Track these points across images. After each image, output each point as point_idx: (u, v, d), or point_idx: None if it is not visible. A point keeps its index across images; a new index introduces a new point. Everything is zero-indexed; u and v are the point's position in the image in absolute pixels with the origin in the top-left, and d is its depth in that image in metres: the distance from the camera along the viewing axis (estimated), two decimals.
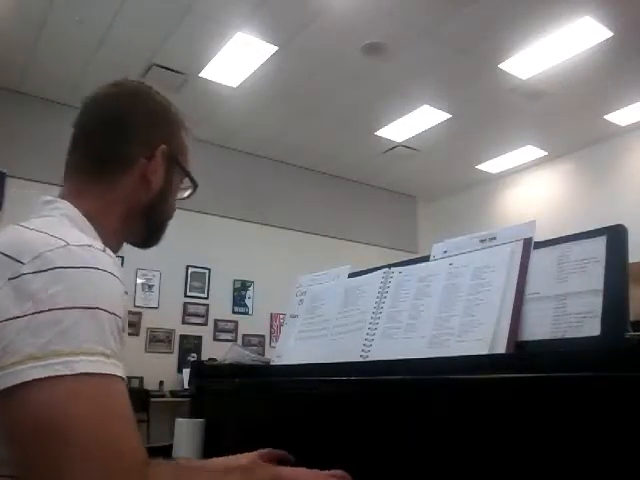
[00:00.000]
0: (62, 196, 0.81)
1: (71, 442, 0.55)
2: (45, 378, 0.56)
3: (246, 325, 6.59)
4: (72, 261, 0.63)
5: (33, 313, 0.58)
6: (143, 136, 0.85)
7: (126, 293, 0.69)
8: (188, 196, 0.97)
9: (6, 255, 0.63)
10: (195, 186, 0.96)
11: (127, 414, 0.61)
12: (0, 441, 0.59)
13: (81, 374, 0.57)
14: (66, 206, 0.78)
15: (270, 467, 0.86)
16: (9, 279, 0.61)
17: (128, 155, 0.84)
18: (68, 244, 0.64)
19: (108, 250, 0.69)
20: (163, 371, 5.89)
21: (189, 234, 6.08)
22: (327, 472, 0.84)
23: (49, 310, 0.58)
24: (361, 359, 1.02)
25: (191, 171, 0.94)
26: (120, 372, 0.61)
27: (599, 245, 0.82)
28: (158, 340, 6.00)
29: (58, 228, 0.69)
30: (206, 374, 1.37)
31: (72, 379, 0.57)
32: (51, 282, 0.60)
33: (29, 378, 0.56)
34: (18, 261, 0.62)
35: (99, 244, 0.69)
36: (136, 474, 0.58)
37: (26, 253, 0.62)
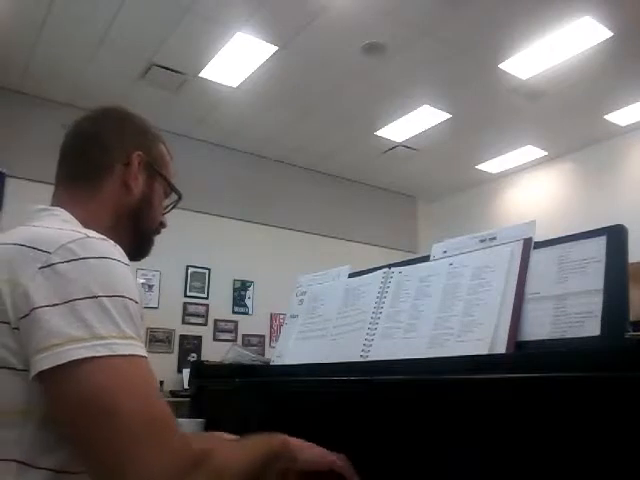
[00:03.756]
0: (54, 204, 0.87)
1: (115, 420, 0.61)
2: (89, 358, 0.62)
3: (246, 325, 6.59)
4: (94, 252, 0.69)
5: (73, 300, 0.64)
6: (117, 144, 0.92)
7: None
8: (172, 208, 1.04)
9: (29, 247, 0.68)
10: (179, 197, 1.02)
11: (157, 390, 0.69)
12: (36, 425, 0.64)
13: (120, 355, 0.64)
14: (61, 212, 0.83)
15: (280, 435, 0.90)
16: (40, 268, 0.66)
17: (105, 163, 0.91)
18: (88, 236, 0.71)
19: (117, 245, 0.75)
20: (163, 371, 5.88)
21: (189, 234, 6.08)
22: (332, 454, 0.87)
23: (88, 298, 0.65)
24: (361, 359, 1.02)
25: (175, 183, 0.99)
26: (145, 353, 0.68)
27: (599, 245, 0.82)
28: (158, 340, 6.00)
29: (69, 226, 0.76)
30: (206, 374, 1.37)
31: (113, 359, 0.63)
32: (82, 272, 0.67)
33: (72, 358, 0.61)
34: (44, 251, 0.67)
35: (110, 240, 0.75)
36: (180, 444, 0.64)
37: (50, 244, 0.68)
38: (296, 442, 0.86)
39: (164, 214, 1.01)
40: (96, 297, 0.65)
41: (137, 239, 0.96)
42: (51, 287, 0.65)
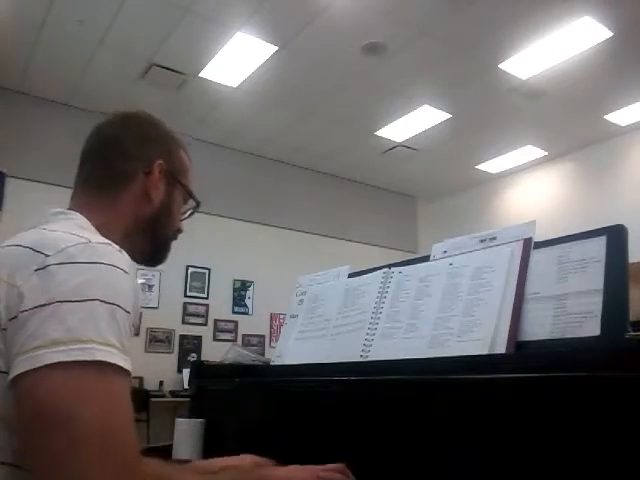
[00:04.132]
0: (71, 208, 0.86)
1: (78, 426, 0.58)
2: (63, 362, 0.59)
3: (246, 325, 6.59)
4: (93, 257, 0.68)
5: (58, 302, 0.62)
6: (139, 152, 0.91)
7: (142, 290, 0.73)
8: (191, 214, 1.03)
9: (32, 249, 0.68)
10: (197, 204, 1.01)
11: (129, 407, 0.64)
12: (10, 432, 0.62)
13: (97, 361, 0.61)
14: (78, 217, 0.82)
15: (262, 468, 0.88)
16: (35, 270, 0.65)
17: (127, 171, 0.90)
18: (90, 241, 0.70)
19: (123, 252, 0.73)
20: (163, 371, 5.89)
21: (189, 234, 6.01)
22: (319, 467, 0.86)
23: (73, 301, 0.63)
24: (361, 359, 1.02)
25: (193, 191, 0.99)
26: (128, 366, 0.65)
27: (599, 245, 0.82)
28: (158, 340, 6.00)
29: (79, 231, 0.74)
30: (206, 374, 1.37)
31: (88, 365, 0.60)
32: (75, 275, 0.65)
33: (49, 361, 0.59)
34: (43, 253, 0.67)
35: (117, 246, 0.73)
36: (131, 465, 0.61)
37: (51, 247, 0.68)
38: (277, 475, 0.84)
39: (182, 220, 1.01)
40: (83, 300, 0.63)
41: (154, 246, 0.95)
42: (40, 289, 0.64)
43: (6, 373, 0.62)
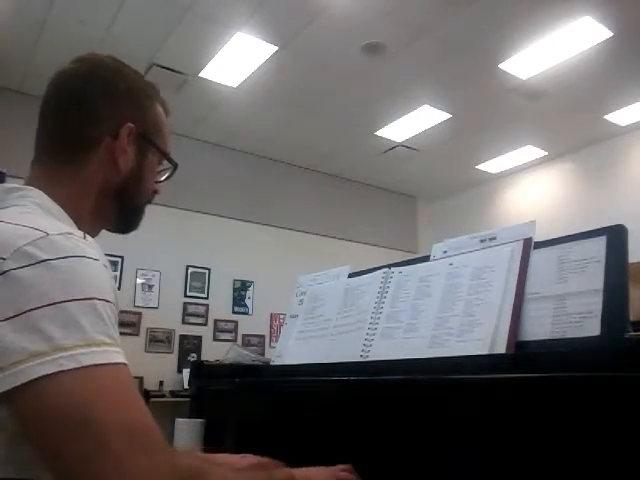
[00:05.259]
0: (30, 182, 0.78)
1: (92, 431, 0.55)
2: (53, 374, 0.55)
3: (246, 325, 6.59)
4: (57, 252, 0.60)
5: (30, 310, 0.56)
6: (106, 113, 0.80)
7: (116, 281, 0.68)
8: (167, 178, 0.92)
9: None
10: (174, 166, 0.91)
11: (138, 398, 0.61)
12: (3, 442, 0.58)
13: (89, 366, 0.56)
14: (37, 194, 0.74)
15: (285, 469, 0.86)
16: None
17: (92, 134, 0.80)
18: (48, 234, 0.62)
19: (88, 237, 0.67)
20: (163, 371, 5.89)
21: (189, 234, 6.08)
22: (336, 468, 0.85)
23: (46, 305, 0.57)
24: (361, 359, 1.02)
25: (170, 151, 0.89)
26: (122, 358, 0.60)
27: (599, 245, 0.82)
28: (158, 340, 5.99)
29: (32, 218, 0.66)
30: (206, 374, 1.37)
31: (81, 372, 0.56)
32: (41, 276, 0.58)
33: (34, 376, 0.54)
34: None
35: (78, 232, 0.67)
36: (163, 452, 0.59)
37: (5, 247, 0.59)
38: (302, 475, 0.81)
39: (157, 182, 0.90)
40: (56, 303, 0.57)
41: (126, 214, 0.87)
42: (5, 298, 0.57)
43: None
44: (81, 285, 0.60)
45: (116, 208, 0.85)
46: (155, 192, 0.90)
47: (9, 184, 0.75)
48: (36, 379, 0.54)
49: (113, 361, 0.59)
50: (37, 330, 0.56)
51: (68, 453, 0.55)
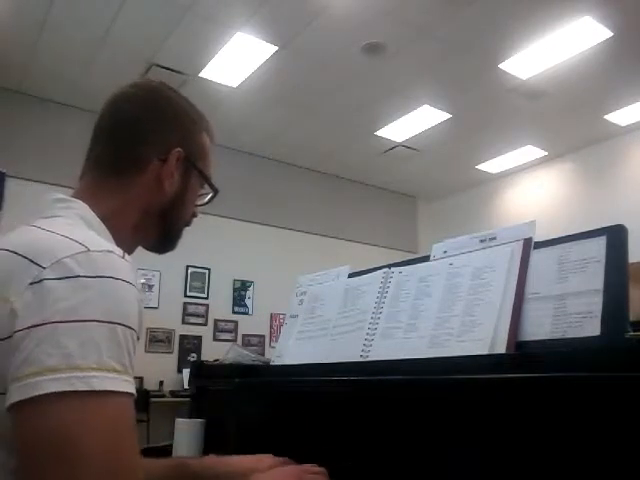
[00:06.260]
0: (76, 194, 0.80)
1: (83, 459, 0.55)
2: (62, 392, 0.55)
3: (246, 325, 6.59)
4: (93, 270, 0.61)
5: (55, 322, 0.57)
6: (157, 137, 0.84)
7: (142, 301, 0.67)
8: (207, 202, 0.96)
9: (24, 257, 0.61)
10: (215, 192, 0.94)
11: (134, 434, 0.60)
12: (7, 451, 0.58)
13: (97, 391, 0.56)
14: (80, 206, 0.76)
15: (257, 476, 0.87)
16: (30, 284, 0.59)
17: (141, 156, 0.83)
18: (89, 250, 0.63)
19: (127, 256, 0.68)
20: (163, 371, 5.89)
21: (189, 234, 5.99)
22: (301, 467, 0.86)
23: (70, 321, 0.57)
24: (361, 359, 1.02)
25: (211, 176, 0.92)
26: (131, 388, 0.60)
27: (599, 245, 0.82)
28: (158, 340, 6.00)
29: (76, 231, 0.67)
30: (206, 374, 1.37)
31: (88, 395, 0.56)
32: (73, 291, 0.59)
33: (45, 391, 0.55)
34: (38, 264, 0.60)
35: (119, 250, 0.68)
36: None
37: (46, 257, 0.61)
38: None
39: (197, 206, 0.93)
40: (80, 321, 0.57)
41: (165, 236, 0.90)
42: (36, 306, 0.58)
43: (3, 394, 0.58)
44: (108, 308, 0.60)
45: (158, 229, 0.87)
46: (194, 215, 0.94)
47: (57, 194, 0.77)
48: (43, 395, 0.54)
49: (119, 389, 0.58)
50: (56, 344, 0.56)
51: (46, 475, 0.54)
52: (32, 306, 0.58)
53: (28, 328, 0.57)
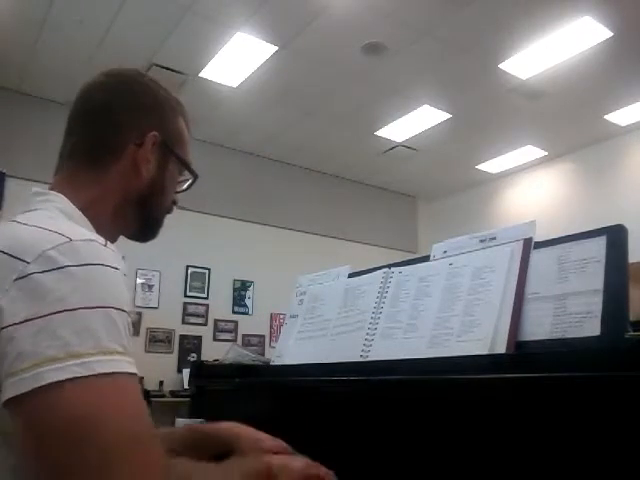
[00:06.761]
0: (54, 187, 0.80)
1: (100, 443, 0.54)
2: (65, 380, 0.55)
3: (246, 325, 6.59)
4: (78, 258, 0.61)
5: (47, 315, 0.57)
6: (132, 121, 0.83)
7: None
8: (187, 188, 0.95)
9: (6, 253, 0.61)
10: (195, 177, 0.93)
11: (145, 411, 0.61)
12: (7, 448, 0.58)
13: (100, 374, 0.56)
14: (59, 199, 0.76)
15: (263, 455, 0.83)
16: (15, 280, 0.58)
17: (117, 142, 0.82)
18: (71, 240, 0.63)
19: (109, 244, 0.67)
20: (163, 371, 5.89)
21: (189, 234, 6.08)
22: (313, 464, 0.83)
23: (63, 311, 0.57)
24: (361, 359, 1.02)
25: (191, 162, 0.92)
26: (134, 369, 0.61)
27: (599, 245, 0.82)
28: (158, 340, 6.00)
29: (56, 223, 0.67)
30: (206, 374, 1.37)
31: (92, 380, 0.56)
32: (61, 282, 0.59)
33: (47, 381, 0.54)
34: (22, 260, 0.60)
35: (100, 238, 0.67)
36: (161, 470, 0.59)
37: (29, 251, 0.60)
38: (277, 463, 0.78)
39: (177, 193, 0.93)
40: (72, 310, 0.57)
41: (145, 223, 0.89)
42: (25, 301, 0.57)
43: None
44: (97, 293, 0.60)
45: (137, 216, 0.86)
46: (174, 203, 0.92)
47: (36, 188, 0.77)
48: (49, 384, 0.54)
49: (124, 370, 0.59)
50: (52, 335, 0.56)
51: (67, 465, 0.54)
52: (21, 301, 0.57)
53: (19, 323, 0.56)
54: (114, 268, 0.64)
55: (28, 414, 0.55)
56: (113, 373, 0.57)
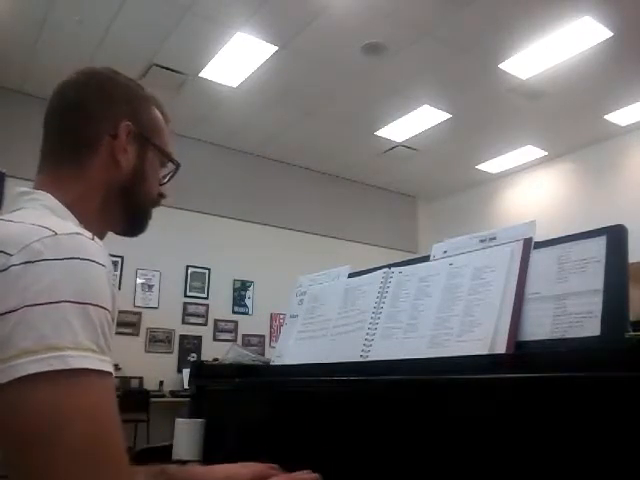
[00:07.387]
0: (38, 186, 0.80)
1: (64, 440, 0.55)
2: (40, 373, 0.55)
3: (246, 325, 6.60)
4: (61, 252, 0.61)
5: (27, 306, 0.57)
6: (103, 113, 0.83)
7: (115, 286, 0.67)
8: (170, 178, 0.94)
9: None
10: (177, 166, 0.93)
11: (115, 413, 0.60)
12: None
13: (75, 369, 0.56)
14: (45, 197, 0.76)
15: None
16: None
17: (91, 136, 0.82)
18: (56, 233, 0.63)
19: (96, 238, 0.67)
20: (163, 371, 5.89)
21: (189, 234, 6.08)
22: (289, 476, 0.86)
23: (43, 304, 0.57)
24: (361, 359, 1.02)
25: (172, 152, 0.91)
26: (109, 367, 0.60)
27: (599, 245, 0.82)
28: (158, 340, 6.00)
29: (42, 218, 0.67)
30: (206, 374, 1.37)
31: (67, 374, 0.56)
32: (41, 274, 0.59)
33: (25, 373, 0.55)
34: (5, 253, 0.60)
35: (87, 232, 0.67)
36: (124, 476, 0.59)
37: (14, 244, 0.61)
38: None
39: (162, 185, 0.92)
40: (52, 303, 0.57)
41: (132, 216, 0.88)
42: (5, 293, 0.58)
43: None
44: (79, 288, 0.60)
45: (122, 209, 0.86)
46: (161, 195, 0.92)
47: (21, 188, 0.77)
48: (25, 376, 0.54)
49: (97, 368, 0.58)
50: (31, 327, 0.56)
51: (28, 466, 0.55)
52: (2, 292, 0.58)
53: (3, 314, 0.57)
54: (98, 263, 0.63)
55: (3, 405, 0.55)
56: (87, 370, 0.57)
